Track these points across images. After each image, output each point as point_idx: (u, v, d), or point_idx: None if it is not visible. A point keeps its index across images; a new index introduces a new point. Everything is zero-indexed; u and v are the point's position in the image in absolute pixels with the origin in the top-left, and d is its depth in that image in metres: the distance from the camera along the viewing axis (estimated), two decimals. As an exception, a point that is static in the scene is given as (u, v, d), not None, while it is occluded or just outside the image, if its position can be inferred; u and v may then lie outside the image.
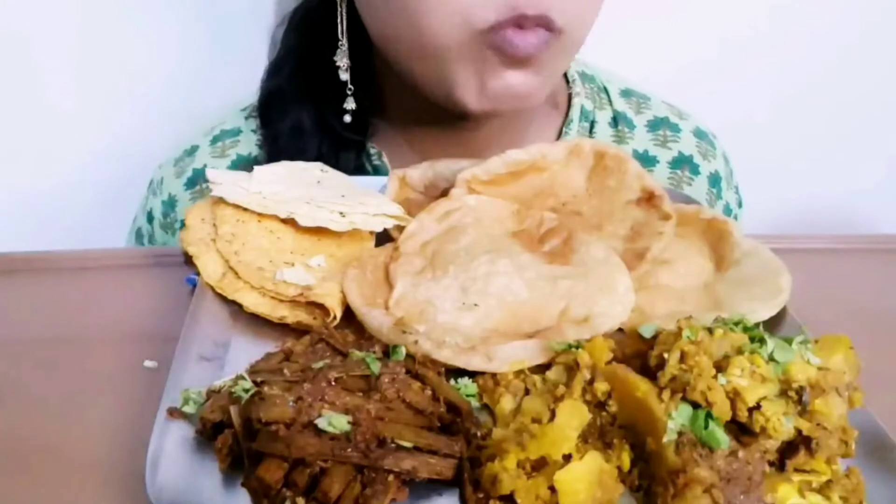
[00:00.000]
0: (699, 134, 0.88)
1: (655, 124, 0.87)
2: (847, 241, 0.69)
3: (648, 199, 0.60)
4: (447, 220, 0.58)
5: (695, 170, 0.86)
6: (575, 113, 0.83)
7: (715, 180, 0.87)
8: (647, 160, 0.85)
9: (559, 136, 0.84)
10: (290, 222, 0.58)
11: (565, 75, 0.86)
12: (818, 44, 1.17)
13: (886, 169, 1.28)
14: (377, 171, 0.80)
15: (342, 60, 0.75)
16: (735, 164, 0.93)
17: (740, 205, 0.93)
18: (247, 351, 0.49)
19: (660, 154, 0.86)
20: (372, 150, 0.80)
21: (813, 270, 0.58)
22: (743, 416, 0.39)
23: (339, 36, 0.75)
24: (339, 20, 0.74)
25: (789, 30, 1.15)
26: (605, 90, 0.88)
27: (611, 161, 0.62)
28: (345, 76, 0.75)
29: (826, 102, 1.20)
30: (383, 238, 0.59)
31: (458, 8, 0.63)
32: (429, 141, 0.80)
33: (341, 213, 0.58)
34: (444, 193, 0.61)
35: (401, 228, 0.58)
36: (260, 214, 0.58)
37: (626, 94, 0.88)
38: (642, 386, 0.41)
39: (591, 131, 0.85)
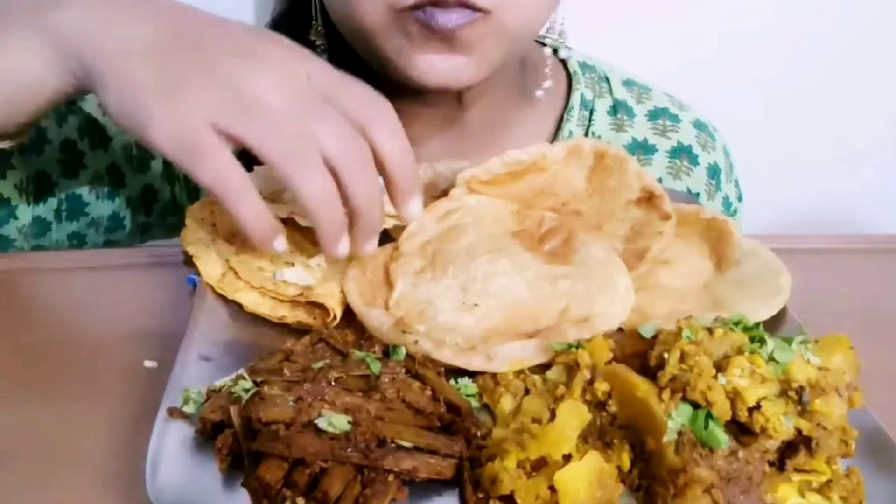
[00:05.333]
0: (699, 125, 0.89)
1: (655, 114, 0.87)
2: (847, 241, 0.69)
3: (648, 198, 0.60)
4: (447, 220, 0.58)
5: (693, 160, 0.87)
6: (575, 101, 0.84)
7: (714, 172, 0.87)
8: (645, 149, 0.86)
9: (559, 125, 0.84)
10: (290, 222, 0.58)
11: (566, 67, 0.86)
12: (818, 43, 1.17)
13: (886, 169, 1.28)
14: None
15: (318, 39, 0.77)
16: (735, 163, 0.93)
17: (740, 198, 0.93)
18: (247, 351, 0.49)
19: (658, 143, 0.86)
20: None
21: (813, 270, 0.58)
22: (743, 416, 0.39)
23: (314, 15, 0.77)
24: (313, 4, 0.77)
25: (789, 29, 1.16)
26: (607, 79, 0.88)
27: (611, 161, 0.62)
28: (322, 56, 0.77)
29: (826, 102, 1.20)
30: (383, 238, 0.59)
31: None
32: (418, 121, 0.80)
33: None
34: (444, 193, 0.61)
35: (401, 228, 0.58)
36: (260, 214, 0.58)
37: (628, 83, 0.89)
38: (642, 386, 0.41)
39: (590, 119, 0.85)
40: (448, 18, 0.65)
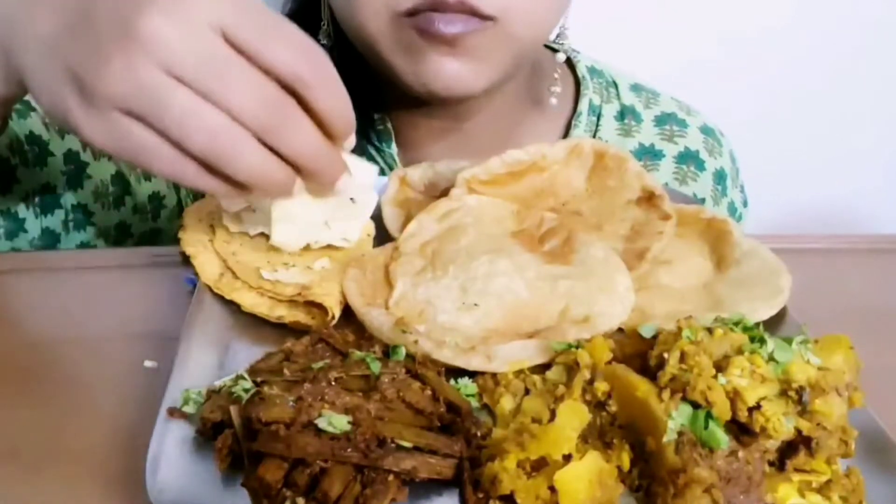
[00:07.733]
0: (706, 130, 0.88)
1: (662, 119, 0.87)
2: (847, 241, 0.69)
3: (648, 198, 0.60)
4: (447, 220, 0.58)
5: (700, 166, 0.86)
6: (583, 107, 0.84)
7: (720, 177, 0.87)
8: (653, 154, 0.86)
9: (567, 130, 0.84)
10: None
11: (574, 72, 0.86)
12: (818, 44, 1.17)
13: (886, 169, 1.28)
14: (380, 136, 0.81)
15: (324, 39, 0.77)
16: (741, 168, 0.93)
17: (745, 204, 0.93)
18: (247, 351, 0.49)
19: (666, 148, 0.86)
20: (376, 115, 0.81)
21: (813, 270, 0.58)
22: (743, 416, 0.39)
23: (321, 16, 0.77)
24: (322, 3, 0.77)
25: (791, 31, 1.16)
26: (615, 84, 0.88)
27: (611, 161, 0.62)
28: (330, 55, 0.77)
29: (826, 103, 1.20)
30: (383, 238, 0.59)
31: None
32: (423, 129, 0.81)
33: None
34: (444, 193, 0.61)
35: (401, 228, 0.58)
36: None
37: (636, 88, 0.89)
38: (642, 386, 0.41)
39: (597, 125, 0.85)
40: (449, 27, 0.64)
